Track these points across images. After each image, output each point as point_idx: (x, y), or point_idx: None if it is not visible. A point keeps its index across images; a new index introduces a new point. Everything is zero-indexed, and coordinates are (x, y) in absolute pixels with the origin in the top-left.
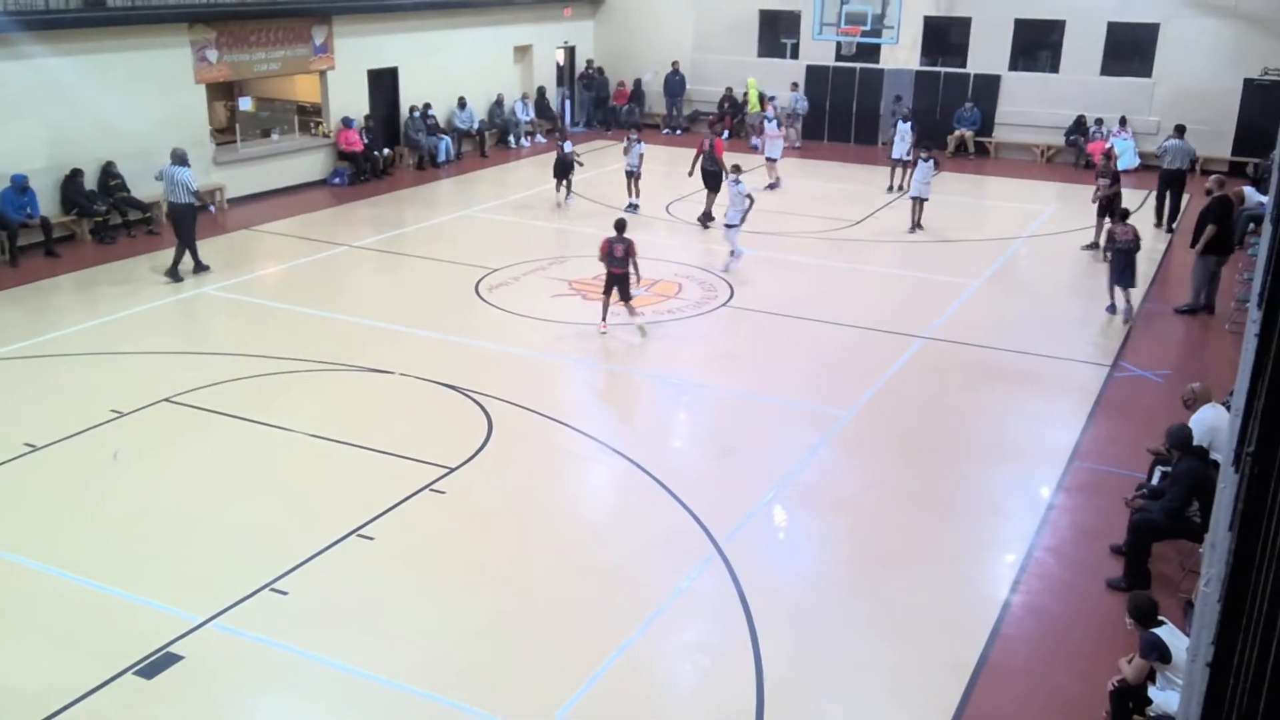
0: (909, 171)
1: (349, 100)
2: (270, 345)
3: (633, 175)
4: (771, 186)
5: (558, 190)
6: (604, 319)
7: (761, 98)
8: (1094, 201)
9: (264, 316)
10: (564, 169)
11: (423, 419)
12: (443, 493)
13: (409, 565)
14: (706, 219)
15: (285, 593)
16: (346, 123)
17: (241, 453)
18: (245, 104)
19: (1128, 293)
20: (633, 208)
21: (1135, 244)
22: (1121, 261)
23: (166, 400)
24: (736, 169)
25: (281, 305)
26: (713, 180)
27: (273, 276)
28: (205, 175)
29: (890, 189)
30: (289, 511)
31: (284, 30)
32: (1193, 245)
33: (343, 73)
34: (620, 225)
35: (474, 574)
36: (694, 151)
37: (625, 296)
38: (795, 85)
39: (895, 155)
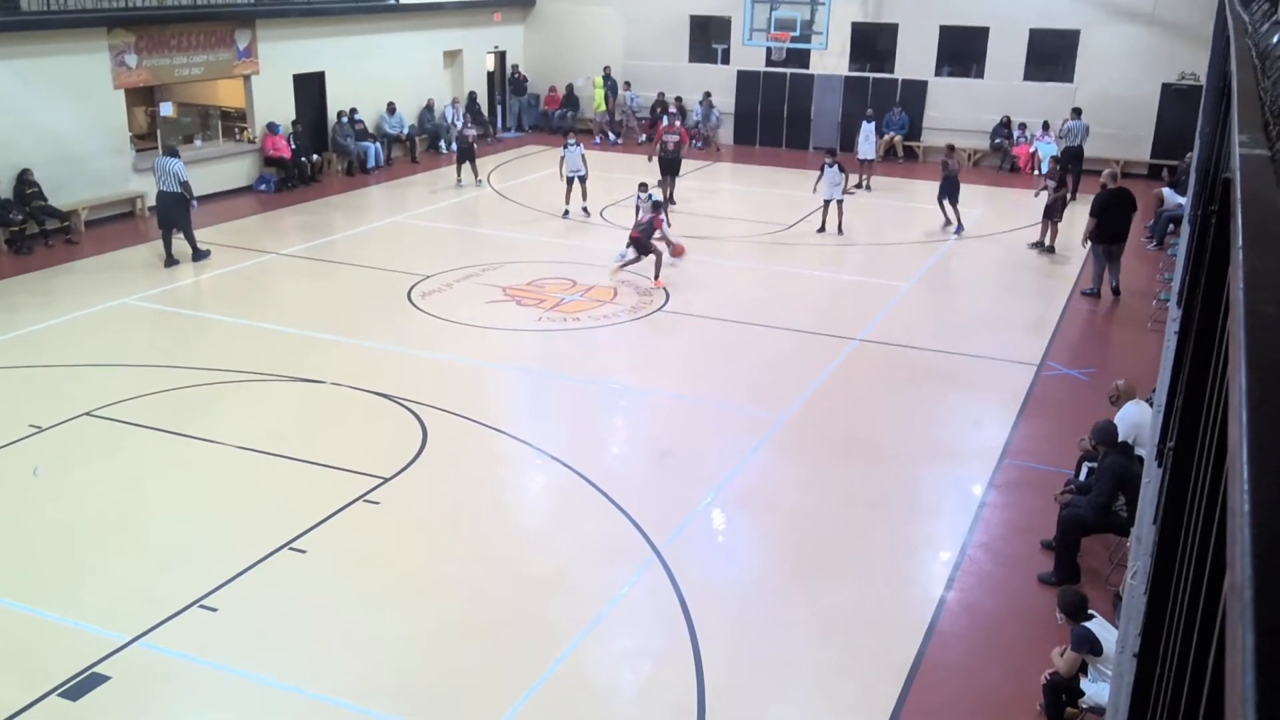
0: (871, 171)
1: (274, 105)
2: (196, 356)
3: (577, 179)
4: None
5: (458, 174)
6: (621, 263)
7: (607, 97)
8: (1036, 196)
9: (189, 327)
10: (465, 153)
11: (355, 429)
12: (377, 503)
13: (343, 578)
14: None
15: (215, 609)
16: (272, 128)
17: (167, 467)
18: (167, 109)
19: (957, 208)
20: (584, 211)
21: (959, 170)
22: (950, 186)
23: (88, 414)
24: (644, 186)
25: (207, 315)
26: (671, 166)
27: (198, 285)
28: (125, 183)
29: (857, 188)
30: (218, 526)
31: (206, 34)
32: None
33: (267, 77)
34: (651, 195)
35: (409, 585)
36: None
37: (640, 250)
38: (628, 85)
39: (861, 155)
